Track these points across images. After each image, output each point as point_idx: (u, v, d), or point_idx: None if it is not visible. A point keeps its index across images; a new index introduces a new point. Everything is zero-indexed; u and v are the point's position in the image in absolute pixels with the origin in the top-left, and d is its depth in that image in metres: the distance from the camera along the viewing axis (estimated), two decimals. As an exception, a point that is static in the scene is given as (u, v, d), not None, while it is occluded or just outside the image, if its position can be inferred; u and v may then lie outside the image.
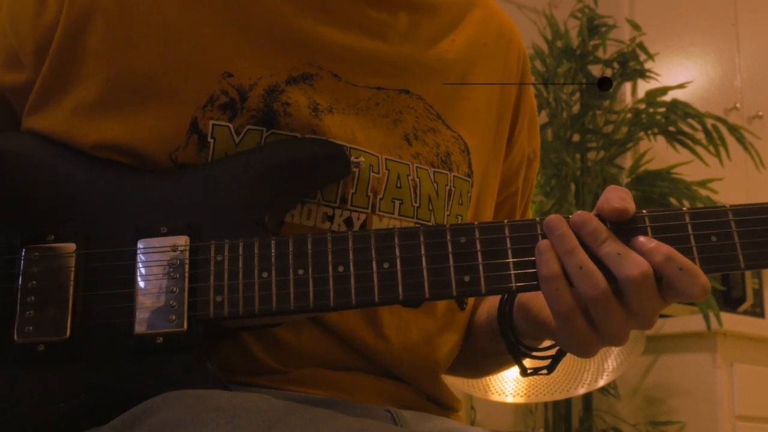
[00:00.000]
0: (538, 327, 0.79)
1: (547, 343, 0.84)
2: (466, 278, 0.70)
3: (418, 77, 0.86)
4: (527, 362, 0.85)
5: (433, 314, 0.85)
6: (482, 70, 0.93)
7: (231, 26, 0.79)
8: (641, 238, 0.70)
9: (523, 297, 0.80)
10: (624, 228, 0.71)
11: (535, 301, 0.78)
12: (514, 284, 0.70)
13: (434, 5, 0.91)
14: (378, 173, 0.81)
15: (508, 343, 0.83)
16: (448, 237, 0.71)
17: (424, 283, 0.70)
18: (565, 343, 0.75)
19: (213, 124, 0.77)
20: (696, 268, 0.68)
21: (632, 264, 0.68)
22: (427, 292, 0.70)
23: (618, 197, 0.71)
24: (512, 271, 0.70)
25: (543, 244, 0.70)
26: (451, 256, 0.71)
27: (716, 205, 0.72)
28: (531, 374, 0.85)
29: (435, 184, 0.84)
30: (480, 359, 0.95)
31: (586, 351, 0.73)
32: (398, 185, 0.82)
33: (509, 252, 0.71)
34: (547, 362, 0.83)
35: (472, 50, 0.93)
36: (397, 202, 0.82)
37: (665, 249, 0.69)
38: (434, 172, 0.85)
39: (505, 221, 0.72)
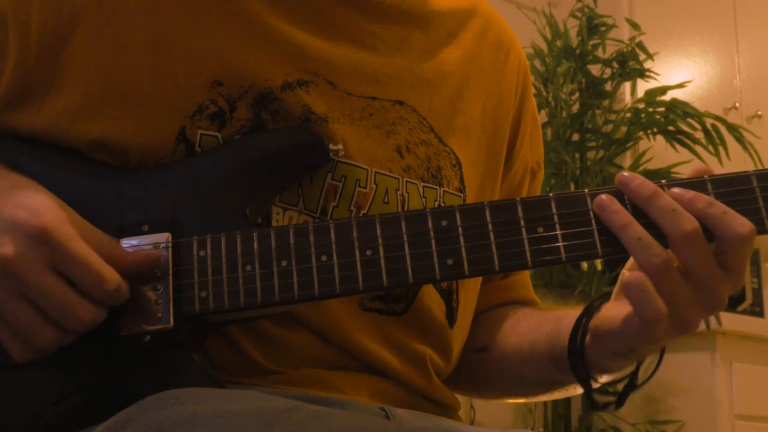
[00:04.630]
0: (610, 341, 0.75)
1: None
2: (449, 261, 0.70)
3: (412, 89, 0.85)
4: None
5: (415, 326, 0.84)
6: (478, 83, 0.92)
7: (223, 32, 0.78)
8: (676, 189, 0.70)
9: (595, 323, 0.76)
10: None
11: (607, 323, 0.75)
12: (497, 265, 0.70)
13: (427, 17, 0.90)
14: (365, 188, 0.80)
15: (579, 378, 0.80)
16: (430, 221, 0.71)
17: (407, 269, 0.70)
18: (632, 335, 0.72)
19: (201, 134, 0.76)
20: (735, 212, 0.69)
21: (686, 219, 0.68)
22: (410, 277, 0.70)
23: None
24: (495, 252, 0.70)
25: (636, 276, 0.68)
26: (433, 241, 0.70)
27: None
28: (601, 408, 0.82)
29: (424, 199, 0.84)
30: (531, 388, 0.93)
31: (655, 341, 0.71)
32: (386, 200, 0.81)
33: (491, 234, 0.71)
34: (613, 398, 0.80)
35: (468, 62, 0.92)
36: None
37: (704, 196, 0.69)
38: (424, 186, 0.84)
39: (486, 203, 0.72)
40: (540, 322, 0.90)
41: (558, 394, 0.94)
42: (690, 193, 0.70)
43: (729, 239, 0.69)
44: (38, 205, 0.67)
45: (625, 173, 0.71)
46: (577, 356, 0.80)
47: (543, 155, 1.04)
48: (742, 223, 0.68)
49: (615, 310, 0.74)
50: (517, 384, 0.93)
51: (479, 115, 0.91)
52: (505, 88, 0.96)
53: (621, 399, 0.80)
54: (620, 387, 0.80)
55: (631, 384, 0.80)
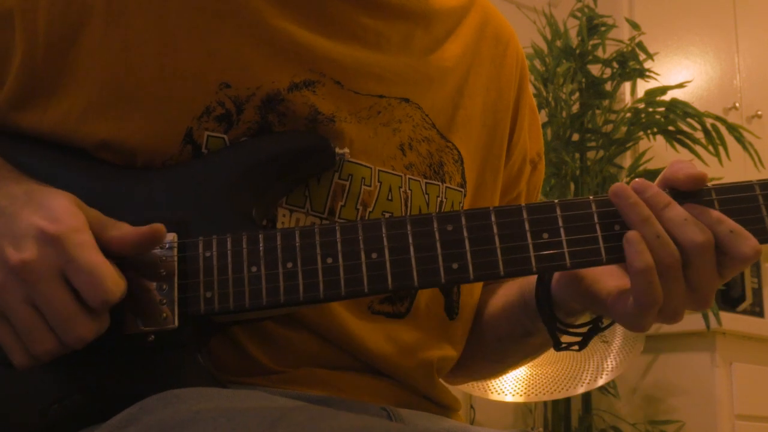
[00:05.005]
0: (588, 298, 0.77)
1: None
2: (455, 265, 0.70)
3: (417, 86, 0.86)
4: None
5: (419, 324, 0.85)
6: (479, 78, 0.93)
7: (230, 34, 0.78)
8: (687, 203, 0.71)
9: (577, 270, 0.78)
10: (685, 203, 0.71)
11: (597, 285, 0.77)
12: (502, 270, 0.70)
13: (429, 14, 0.90)
14: (369, 186, 0.81)
15: (543, 315, 0.81)
16: (435, 225, 0.71)
17: (412, 272, 0.70)
18: (621, 314, 0.73)
19: (208, 136, 0.76)
20: (745, 230, 0.69)
21: (698, 229, 0.69)
22: (416, 280, 0.70)
23: (689, 165, 0.72)
24: (500, 257, 0.70)
25: (633, 234, 0.69)
26: (438, 244, 0.71)
27: None
28: (563, 349, 0.84)
29: (426, 196, 0.84)
30: (504, 345, 0.94)
31: (641, 325, 0.72)
32: (389, 198, 0.82)
33: (496, 238, 0.71)
34: (578, 339, 0.82)
35: (468, 58, 0.92)
36: (387, 215, 0.81)
37: (715, 213, 0.70)
38: (426, 183, 0.85)
39: (491, 208, 0.72)
40: (515, 281, 0.92)
41: (530, 354, 0.94)
42: (698, 208, 0.70)
43: (734, 258, 0.69)
44: (57, 211, 0.66)
45: (640, 180, 0.72)
46: (543, 289, 0.81)
47: (543, 147, 1.04)
48: (748, 244, 0.69)
49: (612, 277, 0.75)
50: (494, 344, 0.94)
51: (479, 110, 0.92)
52: (504, 82, 0.97)
53: (585, 340, 0.82)
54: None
55: (596, 327, 0.81)
